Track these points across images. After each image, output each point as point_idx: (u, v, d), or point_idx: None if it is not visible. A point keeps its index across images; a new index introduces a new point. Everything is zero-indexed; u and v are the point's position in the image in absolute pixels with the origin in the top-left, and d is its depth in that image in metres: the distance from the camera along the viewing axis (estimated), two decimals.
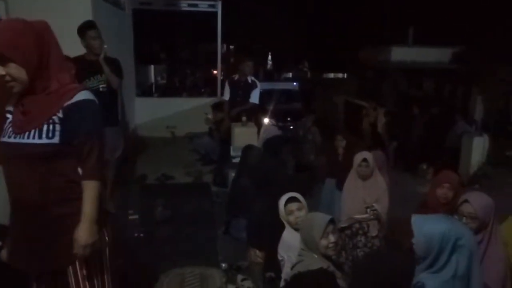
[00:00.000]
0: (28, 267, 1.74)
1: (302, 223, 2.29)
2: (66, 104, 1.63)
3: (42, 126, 1.61)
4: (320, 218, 2.14)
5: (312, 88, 13.37)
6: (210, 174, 5.70)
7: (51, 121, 1.61)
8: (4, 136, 1.65)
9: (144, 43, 9.34)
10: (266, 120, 6.40)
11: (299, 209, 2.51)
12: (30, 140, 1.60)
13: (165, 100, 8.72)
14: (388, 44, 13.67)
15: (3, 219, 2.11)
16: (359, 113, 8.63)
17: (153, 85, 9.49)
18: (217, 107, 6.37)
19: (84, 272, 1.72)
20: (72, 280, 1.71)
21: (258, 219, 3.38)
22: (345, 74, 18.96)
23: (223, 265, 3.34)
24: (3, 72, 1.54)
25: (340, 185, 3.75)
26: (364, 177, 3.23)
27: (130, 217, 4.10)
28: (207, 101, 7.85)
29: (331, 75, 19.70)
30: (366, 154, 3.25)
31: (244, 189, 3.89)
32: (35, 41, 1.56)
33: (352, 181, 3.29)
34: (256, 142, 4.86)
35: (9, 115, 1.67)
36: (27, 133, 1.60)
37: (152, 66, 9.78)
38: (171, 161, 6.30)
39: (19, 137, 1.61)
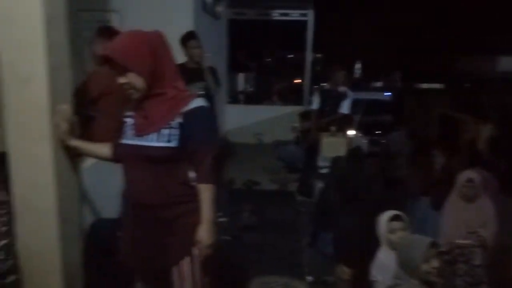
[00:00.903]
0: (136, 263, 1.86)
1: (400, 244, 2.16)
2: (183, 110, 1.71)
3: (162, 130, 1.70)
4: (422, 240, 1.99)
5: (404, 99, 12.60)
6: (295, 182, 5.68)
7: (170, 125, 1.71)
8: (124, 138, 1.78)
9: (235, 51, 9.70)
10: (351, 132, 6.17)
11: (403, 229, 2.38)
12: (149, 143, 1.70)
13: (253, 108, 8.93)
14: (494, 54, 12.45)
15: (114, 213, 2.31)
16: (457, 128, 7.93)
17: (242, 93, 9.78)
18: (304, 116, 6.35)
19: (189, 271, 1.79)
20: (177, 279, 1.79)
21: (346, 234, 3.27)
22: (441, 85, 17.56)
23: (309, 278, 3.28)
24: (125, 81, 1.67)
25: (435, 205, 3.47)
26: (469, 199, 2.94)
27: (219, 220, 4.24)
28: (294, 109, 7.86)
29: (425, 85, 18.39)
30: (472, 174, 2.97)
31: (332, 202, 3.80)
32: (152, 52, 1.66)
33: (454, 202, 3.02)
34: (344, 153, 4.72)
35: (128, 119, 1.80)
36: (147, 136, 1.71)
37: (242, 74, 10.09)
38: (258, 167, 6.43)
39: (139, 140, 1.73)
